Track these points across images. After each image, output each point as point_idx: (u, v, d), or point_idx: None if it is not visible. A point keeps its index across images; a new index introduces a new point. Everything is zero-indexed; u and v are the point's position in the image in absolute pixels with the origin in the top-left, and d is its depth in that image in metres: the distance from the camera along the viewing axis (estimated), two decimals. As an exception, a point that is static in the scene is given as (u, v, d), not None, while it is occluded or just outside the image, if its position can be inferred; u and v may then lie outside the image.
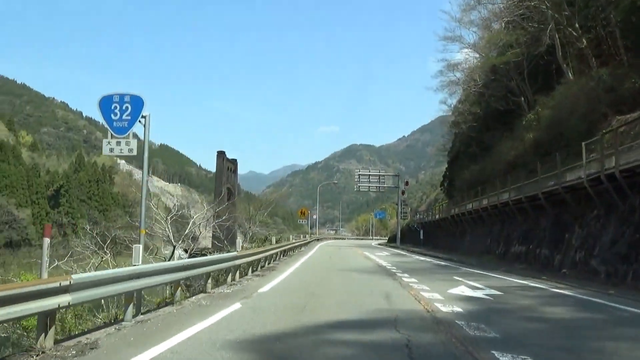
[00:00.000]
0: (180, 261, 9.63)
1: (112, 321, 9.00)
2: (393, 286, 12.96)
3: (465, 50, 45.89)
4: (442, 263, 24.55)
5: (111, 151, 9.18)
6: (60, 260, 15.77)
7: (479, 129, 42.42)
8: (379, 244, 66.09)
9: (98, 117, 9.19)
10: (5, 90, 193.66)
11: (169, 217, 17.54)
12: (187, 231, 17.23)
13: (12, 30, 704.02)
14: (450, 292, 11.53)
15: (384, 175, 54.51)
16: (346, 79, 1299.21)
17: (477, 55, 45.87)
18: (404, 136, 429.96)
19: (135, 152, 9.29)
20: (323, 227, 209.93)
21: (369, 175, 53.94)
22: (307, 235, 50.37)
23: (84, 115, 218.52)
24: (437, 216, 44.35)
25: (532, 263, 20.72)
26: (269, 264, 20.89)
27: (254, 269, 17.98)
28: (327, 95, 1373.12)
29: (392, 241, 67.37)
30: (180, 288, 9.69)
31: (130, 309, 7.76)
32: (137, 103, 9.20)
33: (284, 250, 26.40)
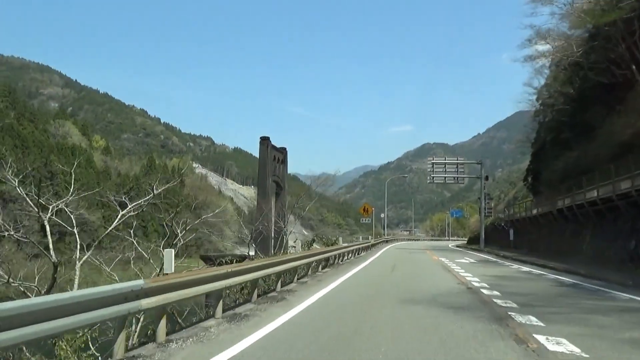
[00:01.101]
0: None
1: None
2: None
3: (557, 13, 37.40)
4: (567, 279, 15.34)
5: None
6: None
7: (572, 111, 35.09)
8: (457, 246, 56.33)
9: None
10: (89, 100, 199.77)
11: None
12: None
13: (93, 42, 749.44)
14: None
15: (462, 164, 44.31)
16: (419, 77, 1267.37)
17: (572, 19, 37.55)
18: (478, 133, 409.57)
19: None
20: (396, 227, 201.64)
21: (445, 164, 43.93)
22: (369, 237, 41.62)
23: (161, 121, 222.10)
24: (533, 211, 34.18)
25: None
26: (291, 282, 12.90)
27: (247, 296, 10.07)
28: (400, 94, 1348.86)
29: (472, 242, 57.33)
30: None
31: None
32: None
33: (327, 259, 18.21)
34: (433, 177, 43.25)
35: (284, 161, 50.36)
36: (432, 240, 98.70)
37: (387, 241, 57.92)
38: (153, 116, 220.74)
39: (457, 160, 43.62)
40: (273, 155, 48.08)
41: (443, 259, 25.77)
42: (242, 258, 20.41)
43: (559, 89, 39.97)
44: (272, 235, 33.22)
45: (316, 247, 27.40)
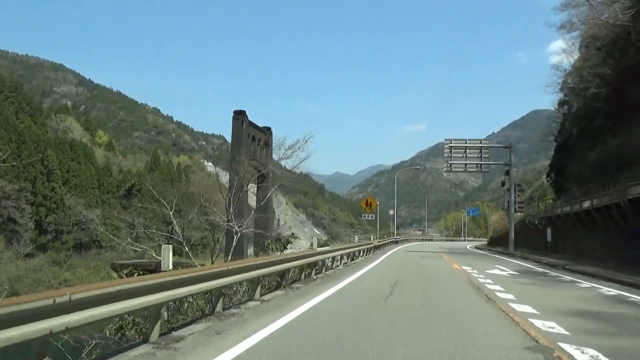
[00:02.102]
0: None
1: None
2: None
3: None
4: None
5: None
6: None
7: (607, 94, 31.26)
8: (477, 248, 48.02)
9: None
10: (102, 98, 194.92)
11: None
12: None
13: (107, 42, 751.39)
14: None
15: (487, 148, 35.04)
16: (433, 76, 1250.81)
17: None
18: (493, 133, 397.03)
19: None
20: (409, 227, 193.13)
21: (466, 147, 34.66)
22: (372, 237, 33.44)
23: (174, 119, 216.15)
24: (584, 204, 25.64)
25: None
26: (145, 340, 5.02)
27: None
28: (414, 93, 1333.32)
29: (495, 244, 48.94)
30: None
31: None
32: None
33: (281, 274, 10.34)
34: (451, 165, 34.69)
35: (267, 144, 41.60)
36: (447, 240, 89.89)
37: (396, 242, 49.71)
38: (165, 115, 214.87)
39: (481, 143, 34.92)
40: (252, 136, 39.59)
41: (468, 269, 17.77)
42: (149, 269, 12.65)
43: (591, 71, 34.52)
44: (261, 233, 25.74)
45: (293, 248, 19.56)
